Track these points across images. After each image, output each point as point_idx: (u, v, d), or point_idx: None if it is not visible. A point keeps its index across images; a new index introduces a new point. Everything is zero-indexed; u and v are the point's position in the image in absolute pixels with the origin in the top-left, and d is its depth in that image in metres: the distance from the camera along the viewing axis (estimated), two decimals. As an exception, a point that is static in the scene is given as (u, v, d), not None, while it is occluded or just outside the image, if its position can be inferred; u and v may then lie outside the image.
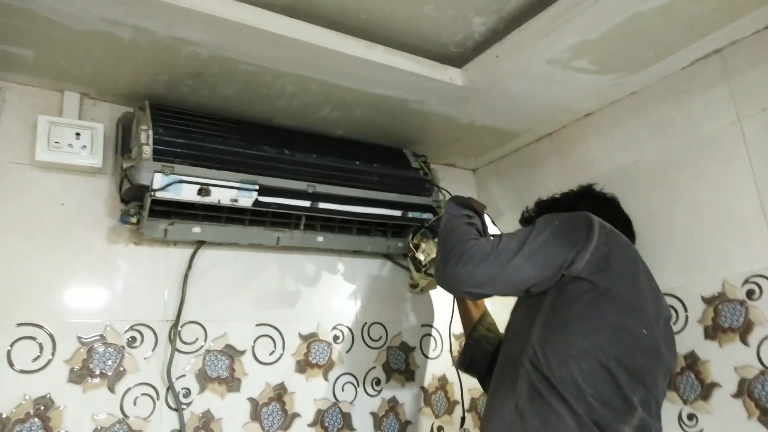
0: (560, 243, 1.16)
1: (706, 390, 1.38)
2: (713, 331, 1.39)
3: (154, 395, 1.39)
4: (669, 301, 1.45)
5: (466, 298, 1.58)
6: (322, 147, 1.62)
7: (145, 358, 1.40)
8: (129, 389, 1.37)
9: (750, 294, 1.33)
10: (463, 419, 1.68)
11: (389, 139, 1.82)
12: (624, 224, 1.41)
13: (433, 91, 1.54)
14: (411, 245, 1.70)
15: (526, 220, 1.55)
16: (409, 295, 1.85)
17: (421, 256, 1.68)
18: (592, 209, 1.28)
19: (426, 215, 1.71)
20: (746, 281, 1.34)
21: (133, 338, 1.40)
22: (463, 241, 1.19)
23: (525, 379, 1.13)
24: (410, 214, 1.69)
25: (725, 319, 1.37)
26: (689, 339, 1.42)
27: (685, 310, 1.44)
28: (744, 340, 1.33)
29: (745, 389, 1.31)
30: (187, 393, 1.43)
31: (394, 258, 1.85)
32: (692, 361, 1.41)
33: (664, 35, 1.35)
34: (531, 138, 1.89)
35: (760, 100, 1.35)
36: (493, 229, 1.51)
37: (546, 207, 1.51)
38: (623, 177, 1.61)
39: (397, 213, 1.67)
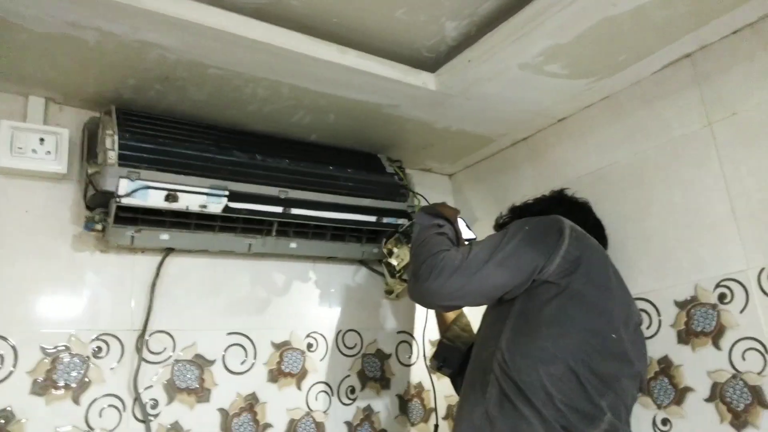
0: (531, 248, 1.15)
1: (680, 394, 1.38)
2: (686, 336, 1.39)
3: (121, 407, 1.36)
4: (642, 305, 1.46)
5: (440, 311, 1.57)
6: (294, 152, 1.60)
7: (111, 369, 1.37)
8: (94, 401, 1.33)
9: (722, 298, 1.33)
10: (436, 426, 1.67)
11: (364, 144, 1.80)
12: (595, 229, 1.41)
13: (407, 96, 1.53)
14: (384, 251, 1.69)
15: (500, 225, 1.55)
16: (385, 301, 1.84)
17: (394, 262, 1.66)
18: (563, 214, 1.28)
19: (401, 221, 1.70)
20: (718, 285, 1.34)
21: (99, 348, 1.37)
22: (433, 254, 1.18)
23: (494, 385, 1.12)
24: (385, 220, 1.67)
25: (698, 323, 1.37)
26: (663, 343, 1.42)
27: (658, 314, 1.44)
28: (716, 344, 1.33)
29: (717, 393, 1.31)
30: (155, 404, 1.39)
31: (369, 264, 1.83)
32: (666, 365, 1.41)
33: (634, 40, 1.36)
34: (506, 143, 1.89)
35: (730, 104, 1.36)
36: (467, 234, 1.51)
37: (519, 212, 1.51)
38: (597, 181, 1.62)
39: (372, 218, 1.65)
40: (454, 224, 1.36)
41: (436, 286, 1.14)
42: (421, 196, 1.80)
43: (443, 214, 1.35)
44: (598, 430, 1.09)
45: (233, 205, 1.41)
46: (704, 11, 1.28)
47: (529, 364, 1.10)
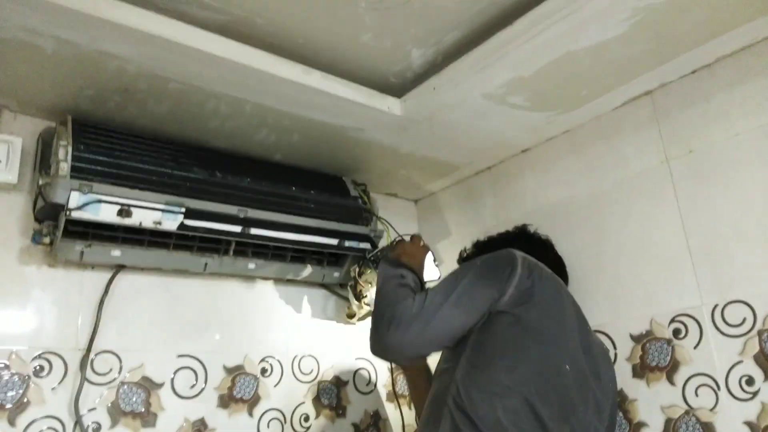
0: (485, 283, 1.15)
1: (634, 429, 1.38)
2: (641, 370, 1.39)
3: (61, 429, 1.29)
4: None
5: (405, 365, 1.51)
6: (256, 171, 1.57)
7: (52, 389, 1.30)
8: (33, 422, 1.27)
9: (676, 333, 1.34)
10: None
11: (329, 166, 1.79)
12: (556, 265, 1.41)
13: (372, 120, 1.53)
14: (353, 274, 1.67)
15: (464, 259, 1.55)
16: (344, 326, 1.80)
17: (363, 285, 1.65)
18: (525, 249, 1.29)
19: (363, 244, 1.68)
20: (673, 320, 1.35)
21: (41, 367, 1.30)
22: (392, 306, 1.16)
23: (447, 419, 1.09)
24: (347, 243, 1.65)
25: (652, 357, 1.37)
26: (618, 377, 1.40)
27: (614, 347, 1.44)
28: (670, 379, 1.33)
29: (671, 429, 1.31)
30: (97, 427, 1.33)
31: (330, 287, 1.80)
32: (620, 399, 1.41)
33: (595, 75, 1.39)
34: (470, 171, 1.90)
35: (688, 142, 1.39)
36: (433, 273, 1.50)
37: (483, 247, 1.51)
38: (556, 213, 1.63)
39: (334, 241, 1.63)
40: (417, 273, 1.32)
41: (396, 339, 1.12)
42: (385, 221, 1.79)
43: (406, 264, 1.32)
44: None
45: (189, 222, 1.37)
46: (664, 50, 1.32)
47: (484, 397, 1.07)
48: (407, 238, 1.52)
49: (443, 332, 1.13)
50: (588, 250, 1.53)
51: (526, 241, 1.47)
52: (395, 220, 1.88)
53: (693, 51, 1.32)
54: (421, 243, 1.47)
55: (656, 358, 1.36)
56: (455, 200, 1.99)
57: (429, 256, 1.48)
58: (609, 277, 1.48)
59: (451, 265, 1.72)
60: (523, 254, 1.20)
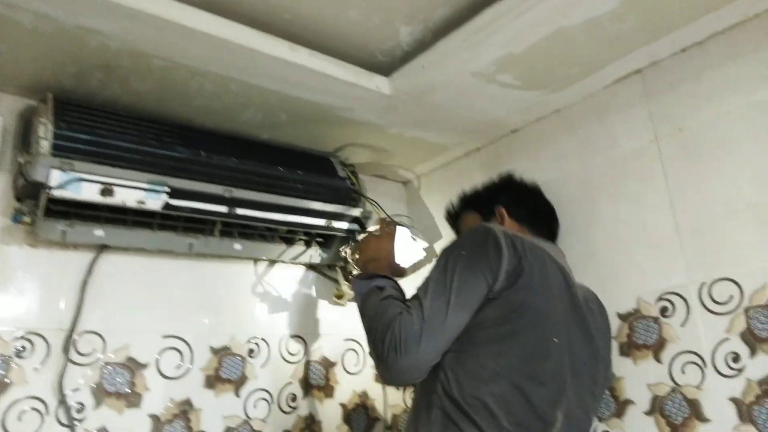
0: (477, 273, 1.10)
1: (620, 407, 1.38)
2: (628, 348, 1.39)
3: (43, 410, 1.28)
4: (586, 317, 1.46)
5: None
6: (243, 151, 1.55)
7: (34, 369, 1.29)
8: (15, 402, 1.25)
9: (663, 311, 1.35)
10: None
11: (318, 147, 1.77)
12: (546, 212, 1.42)
13: (360, 99, 1.51)
14: (345, 255, 1.66)
15: (452, 217, 1.55)
16: (333, 307, 1.79)
17: (354, 266, 1.64)
18: (513, 199, 1.30)
19: (352, 225, 1.67)
20: (660, 298, 1.35)
21: (23, 347, 1.29)
22: (388, 327, 1.08)
23: (438, 406, 1.08)
24: (335, 224, 1.64)
25: (639, 335, 1.38)
26: (606, 355, 1.42)
27: (602, 326, 1.44)
28: (657, 357, 1.34)
29: (657, 406, 1.32)
30: (81, 408, 1.32)
31: (318, 268, 1.79)
32: (608, 378, 1.41)
33: (586, 52, 1.37)
34: (460, 152, 1.89)
35: (677, 121, 1.38)
36: (414, 248, 1.48)
37: (468, 201, 1.51)
38: (547, 193, 1.60)
39: (322, 222, 1.61)
40: (391, 278, 1.27)
41: (408, 361, 1.05)
42: (374, 201, 1.77)
43: (377, 273, 1.27)
44: None
45: (174, 202, 1.35)
46: (654, 27, 1.30)
47: (472, 384, 1.05)
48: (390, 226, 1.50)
49: (452, 337, 1.09)
50: (577, 229, 1.52)
51: (514, 190, 1.46)
52: (384, 202, 1.86)
53: (684, 28, 1.31)
54: (387, 228, 1.43)
55: (643, 336, 1.37)
56: (445, 181, 1.97)
57: (402, 233, 1.46)
58: (597, 256, 1.48)
59: (444, 233, 1.73)
60: (502, 228, 1.17)
